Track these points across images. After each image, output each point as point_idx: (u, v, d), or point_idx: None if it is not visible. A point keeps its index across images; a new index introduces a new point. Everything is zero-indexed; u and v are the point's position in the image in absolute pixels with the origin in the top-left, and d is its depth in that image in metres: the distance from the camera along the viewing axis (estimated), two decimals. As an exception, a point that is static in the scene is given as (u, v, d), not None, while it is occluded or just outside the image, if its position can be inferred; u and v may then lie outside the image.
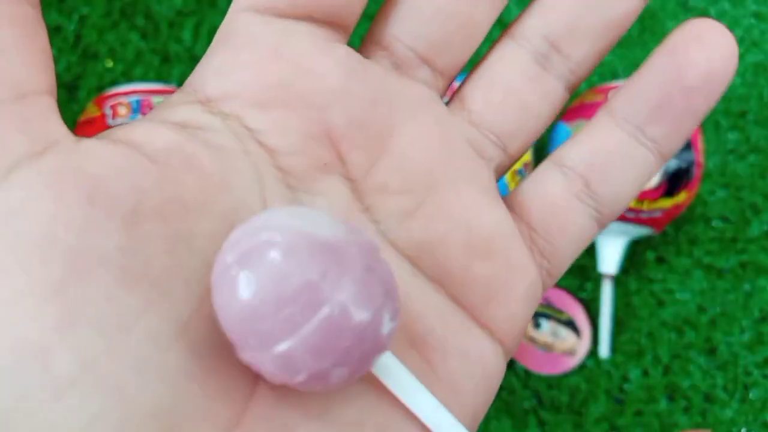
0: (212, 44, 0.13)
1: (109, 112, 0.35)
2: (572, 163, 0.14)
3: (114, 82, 0.44)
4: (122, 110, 0.35)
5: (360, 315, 0.10)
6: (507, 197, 0.15)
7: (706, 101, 0.13)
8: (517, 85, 0.14)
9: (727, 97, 0.47)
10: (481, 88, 0.14)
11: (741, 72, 0.48)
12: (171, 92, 0.37)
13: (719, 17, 0.49)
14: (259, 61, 0.13)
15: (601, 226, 0.15)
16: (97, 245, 0.10)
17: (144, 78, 0.44)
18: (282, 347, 0.10)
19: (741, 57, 0.48)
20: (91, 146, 0.11)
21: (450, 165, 0.14)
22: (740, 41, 0.48)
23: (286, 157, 0.13)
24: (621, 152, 0.14)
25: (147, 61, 0.44)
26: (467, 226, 0.14)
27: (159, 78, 0.44)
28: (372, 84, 0.13)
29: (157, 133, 0.12)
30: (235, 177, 0.12)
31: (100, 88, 0.43)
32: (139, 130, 0.12)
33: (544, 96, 0.14)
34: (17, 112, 0.11)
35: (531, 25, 0.14)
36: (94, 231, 0.10)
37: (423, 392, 0.12)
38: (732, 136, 0.46)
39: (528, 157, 0.38)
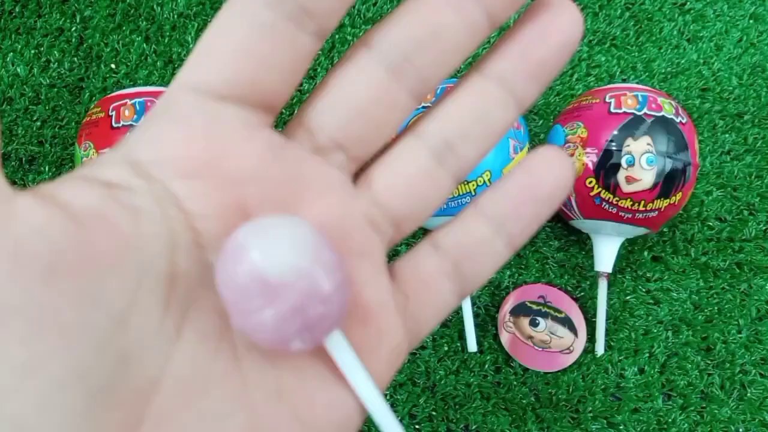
0: (150, 113, 0.15)
1: (113, 114, 0.36)
2: (446, 247, 0.18)
3: (118, 85, 0.44)
4: (126, 112, 0.36)
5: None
6: (390, 267, 0.18)
7: (548, 210, 0.17)
8: (416, 179, 0.17)
9: (725, 98, 0.47)
10: (387, 175, 0.17)
11: (738, 73, 0.48)
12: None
13: (717, 18, 0.49)
14: (190, 139, 0.15)
15: (461, 299, 0.18)
16: (15, 298, 0.12)
17: (147, 80, 0.44)
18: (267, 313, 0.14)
19: (738, 58, 0.48)
20: (21, 205, 0.12)
21: (346, 241, 0.16)
22: (738, 42, 0.49)
23: (201, 220, 0.15)
24: (484, 244, 0.18)
25: (150, 64, 0.45)
26: (354, 296, 0.16)
27: (162, 81, 0.44)
28: (287, 166, 0.16)
29: (82, 192, 0.13)
30: (147, 240, 0.14)
31: (105, 90, 0.44)
32: (67, 187, 0.13)
33: (436, 188, 0.17)
34: None
35: (433, 127, 0.17)
36: (13, 285, 0.12)
37: (361, 371, 0.15)
38: (728, 137, 0.47)
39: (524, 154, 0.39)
